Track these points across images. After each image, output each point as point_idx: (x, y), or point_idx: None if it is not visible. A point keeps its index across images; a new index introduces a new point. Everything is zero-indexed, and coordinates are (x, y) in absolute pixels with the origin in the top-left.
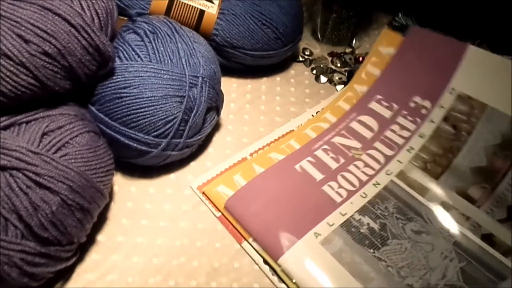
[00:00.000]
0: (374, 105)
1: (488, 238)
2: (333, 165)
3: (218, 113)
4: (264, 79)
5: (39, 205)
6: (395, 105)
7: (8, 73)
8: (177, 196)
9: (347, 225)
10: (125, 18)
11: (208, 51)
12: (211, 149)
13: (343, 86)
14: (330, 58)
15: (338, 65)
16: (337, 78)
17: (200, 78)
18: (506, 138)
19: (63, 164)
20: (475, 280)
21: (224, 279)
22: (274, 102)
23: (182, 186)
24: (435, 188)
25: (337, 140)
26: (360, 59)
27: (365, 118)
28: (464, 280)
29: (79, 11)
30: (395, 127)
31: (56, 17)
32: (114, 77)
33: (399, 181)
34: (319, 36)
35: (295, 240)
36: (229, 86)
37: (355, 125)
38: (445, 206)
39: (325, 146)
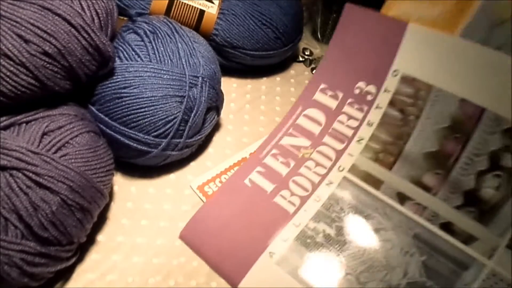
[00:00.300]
0: (318, 96)
1: (447, 227)
2: (284, 170)
3: (218, 113)
4: (264, 79)
5: (39, 205)
6: (340, 94)
7: (8, 73)
8: (177, 196)
9: (302, 237)
10: (125, 18)
11: (208, 51)
12: (211, 149)
13: None
14: None
15: None
16: None
17: (200, 78)
18: (455, 120)
19: (63, 164)
20: (438, 273)
21: None
22: (274, 102)
23: (182, 186)
24: (389, 179)
25: (286, 141)
26: None
27: (311, 112)
28: (426, 275)
29: (79, 11)
30: (342, 117)
31: (56, 17)
32: (114, 77)
33: (352, 177)
34: (319, 36)
35: (250, 266)
36: (229, 86)
37: (302, 120)
38: (401, 197)
39: (274, 151)
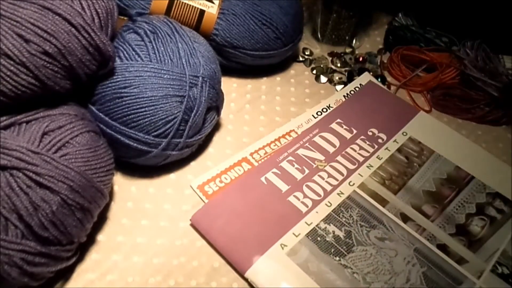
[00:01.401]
0: (335, 126)
1: (443, 248)
2: (298, 175)
3: (218, 113)
4: (264, 79)
5: (40, 204)
6: (354, 130)
7: (8, 73)
8: (177, 196)
9: (313, 234)
10: (125, 18)
11: (208, 51)
12: (211, 149)
13: (343, 86)
14: (330, 58)
15: (338, 65)
16: (337, 78)
17: (200, 78)
18: (450, 175)
19: (63, 163)
20: (437, 284)
21: (224, 279)
22: (274, 102)
23: (182, 185)
24: (394, 201)
25: (302, 152)
26: (360, 59)
27: (327, 135)
28: (426, 284)
29: (79, 10)
30: (355, 146)
31: (57, 17)
32: (114, 77)
33: (361, 192)
34: (319, 36)
35: (261, 253)
36: (229, 86)
37: (318, 139)
38: (404, 217)
39: (290, 158)
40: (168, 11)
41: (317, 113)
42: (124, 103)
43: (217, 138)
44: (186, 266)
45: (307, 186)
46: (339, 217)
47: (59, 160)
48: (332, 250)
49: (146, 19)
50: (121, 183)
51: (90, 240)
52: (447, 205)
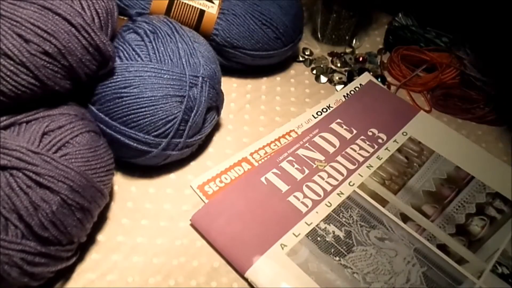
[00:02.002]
0: (334, 126)
1: (443, 248)
2: (298, 175)
3: (218, 113)
4: (264, 79)
5: (40, 204)
6: (354, 130)
7: (8, 73)
8: (177, 195)
9: (313, 235)
10: (125, 18)
11: (208, 51)
12: (211, 149)
13: (343, 86)
14: (330, 58)
15: (338, 65)
16: (337, 78)
17: (200, 78)
18: (450, 176)
19: (63, 163)
20: (437, 284)
21: (224, 279)
22: (274, 102)
23: (182, 185)
24: (394, 201)
25: (302, 152)
26: (360, 59)
27: (327, 135)
28: (426, 284)
29: (79, 10)
30: (354, 146)
31: (57, 17)
32: (114, 77)
33: (361, 192)
34: (319, 36)
35: (261, 253)
36: (229, 86)
37: (318, 139)
38: (404, 217)
39: (290, 158)
40: (168, 11)
41: (317, 113)
42: (124, 103)
43: (217, 138)
44: (186, 266)
45: (307, 186)
46: (339, 217)
47: (59, 160)
48: (332, 250)
49: (146, 19)
50: (121, 183)
51: (90, 240)
52: (447, 205)
